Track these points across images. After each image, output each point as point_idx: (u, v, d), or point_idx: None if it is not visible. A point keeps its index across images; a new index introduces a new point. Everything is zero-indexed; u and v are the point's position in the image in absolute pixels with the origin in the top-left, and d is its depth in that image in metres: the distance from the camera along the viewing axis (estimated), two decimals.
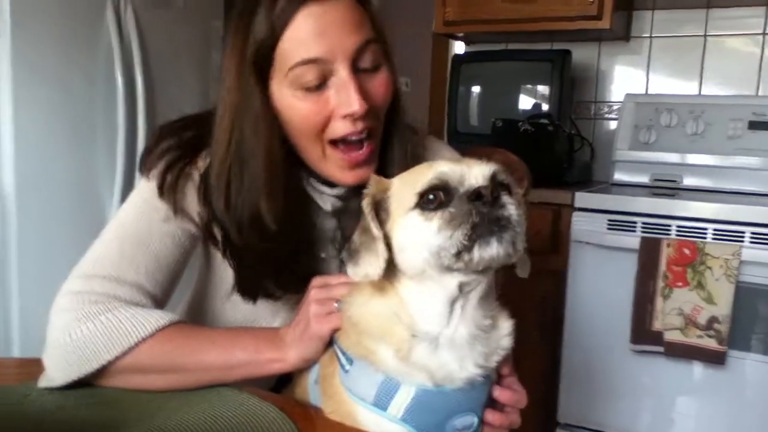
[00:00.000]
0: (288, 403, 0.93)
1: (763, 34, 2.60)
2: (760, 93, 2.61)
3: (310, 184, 1.09)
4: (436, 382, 0.81)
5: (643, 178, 2.61)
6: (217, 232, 1.04)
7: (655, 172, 2.59)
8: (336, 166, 1.03)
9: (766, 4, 2.56)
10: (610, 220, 2.15)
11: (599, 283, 2.17)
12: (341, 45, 0.95)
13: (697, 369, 2.06)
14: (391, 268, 0.83)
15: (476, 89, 2.88)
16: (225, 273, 1.10)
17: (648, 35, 2.79)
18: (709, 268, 1.96)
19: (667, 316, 2.02)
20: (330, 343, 0.92)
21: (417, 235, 0.78)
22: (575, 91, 2.89)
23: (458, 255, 0.74)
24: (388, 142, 1.08)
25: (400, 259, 0.82)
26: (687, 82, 2.74)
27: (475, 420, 0.86)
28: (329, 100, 0.97)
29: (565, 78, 2.68)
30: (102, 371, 0.93)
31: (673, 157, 2.57)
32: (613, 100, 2.89)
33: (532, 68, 2.78)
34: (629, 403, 2.18)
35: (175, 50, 2.65)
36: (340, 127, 0.98)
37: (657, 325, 2.04)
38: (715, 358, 1.99)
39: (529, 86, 2.81)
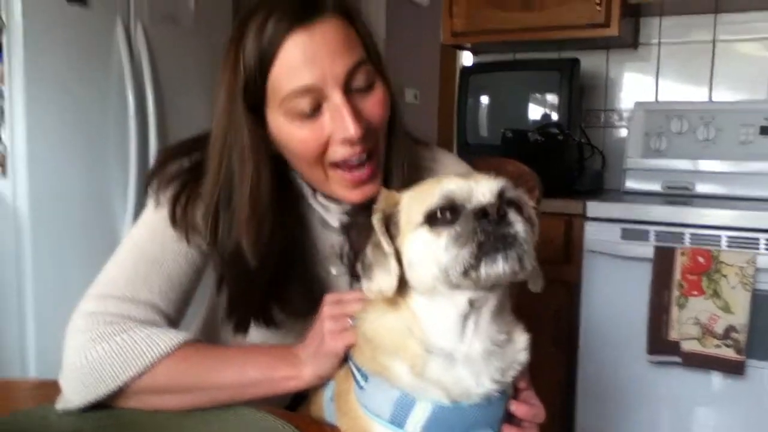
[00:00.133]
0: (304, 421, 0.93)
1: None
2: None
3: (317, 200, 1.09)
4: (452, 398, 0.81)
5: (655, 186, 2.60)
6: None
7: (667, 179, 2.58)
8: (340, 186, 1.03)
9: None
10: (622, 229, 2.13)
11: (613, 293, 2.16)
12: (332, 71, 0.95)
13: (715, 379, 2.04)
14: (403, 284, 0.82)
15: (485, 100, 2.88)
16: None
17: (656, 42, 2.78)
18: (725, 276, 1.94)
19: (683, 325, 2.00)
20: (345, 359, 0.91)
21: (425, 252, 0.78)
22: (584, 99, 2.88)
23: (465, 273, 0.74)
24: (388, 152, 1.07)
25: (410, 275, 0.82)
26: (697, 88, 2.72)
27: None
28: (325, 125, 0.97)
29: (573, 87, 2.68)
30: (118, 392, 0.92)
31: (684, 164, 2.55)
32: (622, 107, 2.88)
33: (541, 77, 2.78)
34: (647, 415, 2.15)
35: (184, 66, 2.67)
36: (339, 152, 0.98)
37: (673, 335, 2.02)
38: (733, 368, 1.96)
39: (537, 96, 2.80)
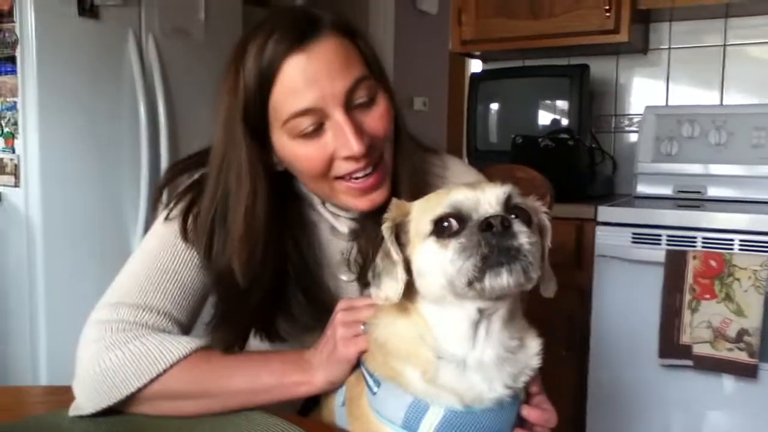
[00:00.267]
0: (315, 426, 0.94)
1: None
2: None
3: (326, 207, 1.10)
4: (464, 403, 0.81)
5: (667, 190, 2.59)
6: None
7: (678, 183, 2.57)
8: (348, 196, 1.03)
9: None
10: (634, 234, 2.13)
11: (625, 297, 2.15)
12: (332, 90, 0.95)
13: (728, 382, 2.02)
14: (414, 291, 0.83)
15: (495, 107, 2.88)
16: None
17: (666, 47, 2.77)
18: (737, 279, 1.93)
19: (695, 329, 1.99)
20: (356, 365, 0.92)
21: (433, 262, 0.79)
22: (594, 105, 2.88)
23: (470, 284, 0.75)
24: (395, 160, 1.07)
25: (420, 283, 0.82)
26: (708, 92, 2.71)
27: None
28: (328, 143, 0.98)
29: (583, 92, 2.67)
30: (131, 398, 0.93)
31: (696, 168, 2.54)
32: (632, 112, 2.87)
33: (551, 84, 2.78)
34: (658, 419, 2.14)
35: (195, 78, 2.69)
36: (344, 167, 0.99)
37: (685, 338, 2.01)
38: (745, 371, 1.95)
39: (547, 102, 2.80)
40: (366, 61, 1.01)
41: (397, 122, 1.07)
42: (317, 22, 0.97)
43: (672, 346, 2.03)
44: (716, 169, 2.51)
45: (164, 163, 2.56)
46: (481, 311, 0.80)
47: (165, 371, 0.92)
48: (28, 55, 2.23)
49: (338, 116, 0.96)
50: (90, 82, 2.39)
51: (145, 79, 2.51)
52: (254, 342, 1.13)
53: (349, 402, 0.91)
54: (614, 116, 2.91)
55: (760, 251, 1.94)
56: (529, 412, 0.89)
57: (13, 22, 2.22)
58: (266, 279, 1.02)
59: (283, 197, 1.06)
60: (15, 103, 2.26)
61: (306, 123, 0.96)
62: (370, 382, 0.87)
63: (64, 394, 0.97)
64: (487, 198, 0.79)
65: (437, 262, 0.78)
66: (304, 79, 0.94)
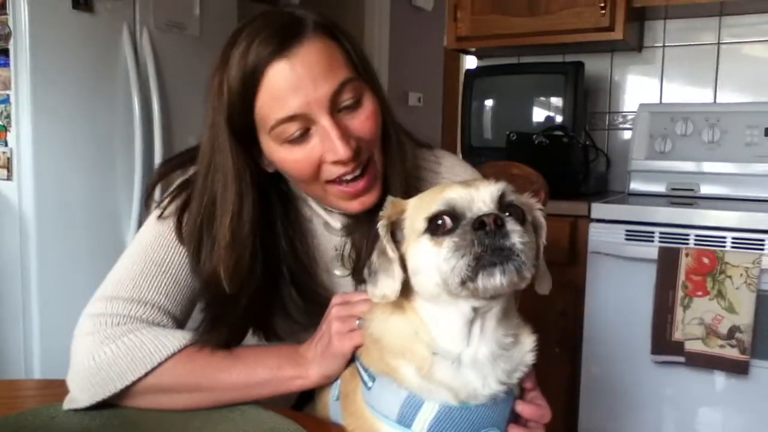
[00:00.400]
0: (310, 421, 0.94)
1: None
2: None
3: (319, 204, 1.10)
4: (459, 399, 0.81)
5: (660, 188, 2.60)
6: None
7: (671, 181, 2.58)
8: (338, 199, 1.03)
9: None
10: (627, 231, 2.13)
11: (618, 294, 2.16)
12: (316, 96, 0.94)
13: (719, 379, 2.04)
14: (409, 288, 0.83)
15: (489, 103, 2.88)
16: None
17: (661, 45, 2.78)
18: (729, 277, 1.94)
19: (687, 326, 2.00)
20: (351, 360, 0.92)
21: (428, 260, 0.79)
22: (589, 102, 2.88)
23: (463, 283, 0.75)
24: (385, 159, 1.06)
25: (415, 281, 0.82)
26: (702, 90, 2.72)
27: None
28: (316, 147, 0.97)
29: (578, 90, 2.68)
30: (126, 392, 0.93)
31: (689, 166, 2.55)
32: (626, 110, 2.88)
33: (545, 81, 2.78)
34: (651, 415, 2.15)
35: (190, 72, 2.68)
36: (332, 171, 0.98)
37: (677, 335, 2.02)
38: (737, 368, 1.96)
39: (542, 99, 2.81)
40: (351, 62, 0.99)
41: (387, 118, 1.06)
42: (300, 24, 0.96)
43: (664, 343, 2.04)
44: (709, 166, 2.52)
45: (158, 157, 2.55)
46: (475, 309, 0.80)
47: (160, 365, 0.93)
48: (21, 47, 2.21)
49: (324, 121, 0.95)
50: (84, 75, 2.38)
51: (139, 74, 2.51)
52: (251, 340, 1.13)
53: (343, 397, 0.91)
54: (608, 113, 2.91)
55: (752, 249, 1.95)
56: (523, 408, 0.89)
57: (6, 14, 2.21)
58: (256, 283, 1.01)
59: (276, 194, 1.06)
60: (8, 96, 2.25)
61: (292, 129, 0.95)
62: (365, 377, 0.87)
63: (58, 388, 0.98)
64: (481, 196, 0.79)
65: (431, 260, 0.78)
66: (288, 86, 0.93)
